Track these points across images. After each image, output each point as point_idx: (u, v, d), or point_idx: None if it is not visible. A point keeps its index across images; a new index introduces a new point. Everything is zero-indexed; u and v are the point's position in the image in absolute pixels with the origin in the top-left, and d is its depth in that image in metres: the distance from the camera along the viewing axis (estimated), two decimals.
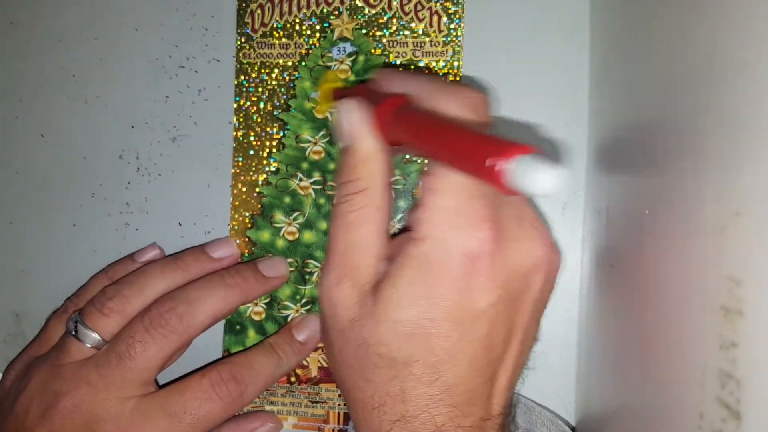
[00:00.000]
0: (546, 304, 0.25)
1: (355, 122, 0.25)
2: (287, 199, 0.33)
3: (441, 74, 0.32)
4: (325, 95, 0.31)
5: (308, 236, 0.33)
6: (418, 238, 0.23)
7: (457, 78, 0.32)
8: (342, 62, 0.33)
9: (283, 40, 0.33)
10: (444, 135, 0.21)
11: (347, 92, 0.29)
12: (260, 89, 0.34)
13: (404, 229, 0.25)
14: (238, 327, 0.34)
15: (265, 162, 0.33)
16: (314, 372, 0.33)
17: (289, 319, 0.33)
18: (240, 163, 0.34)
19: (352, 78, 0.33)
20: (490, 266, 0.22)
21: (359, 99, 0.25)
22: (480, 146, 0.19)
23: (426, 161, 0.31)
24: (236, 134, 0.34)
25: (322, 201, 0.33)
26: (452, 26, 0.32)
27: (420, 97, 0.24)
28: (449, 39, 0.32)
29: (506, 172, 0.17)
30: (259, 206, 0.34)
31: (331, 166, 0.33)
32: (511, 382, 0.24)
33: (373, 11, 0.33)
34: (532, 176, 0.17)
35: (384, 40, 0.33)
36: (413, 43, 0.32)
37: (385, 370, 0.23)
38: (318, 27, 0.33)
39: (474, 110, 0.23)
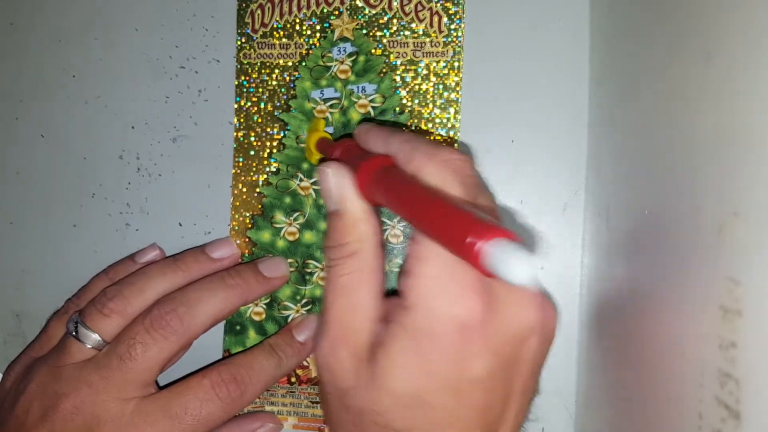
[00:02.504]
0: (544, 361, 0.25)
1: (340, 186, 0.25)
2: (288, 200, 0.33)
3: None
4: (313, 144, 0.31)
5: (308, 236, 0.33)
6: (408, 306, 0.22)
7: (458, 78, 0.32)
8: (342, 62, 0.33)
9: (284, 40, 0.33)
10: (424, 205, 0.21)
11: (330, 147, 0.29)
12: (260, 89, 0.34)
13: (394, 292, 0.25)
14: (238, 327, 0.34)
15: (265, 162, 0.34)
16: (314, 372, 0.33)
17: (290, 319, 0.33)
18: (240, 164, 0.34)
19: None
20: (482, 334, 0.22)
21: (341, 162, 0.25)
22: (459, 223, 0.19)
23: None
24: (237, 134, 0.34)
25: (322, 201, 0.33)
26: (453, 27, 0.32)
27: (400, 158, 0.24)
28: (450, 39, 0.32)
29: (484, 254, 0.17)
30: (260, 206, 0.34)
31: None
32: None
33: (374, 11, 0.33)
34: (509, 262, 0.17)
35: (384, 41, 0.33)
36: (413, 43, 0.32)
37: None
38: (318, 27, 0.33)
39: (455, 173, 0.23)
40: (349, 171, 0.25)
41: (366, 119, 0.33)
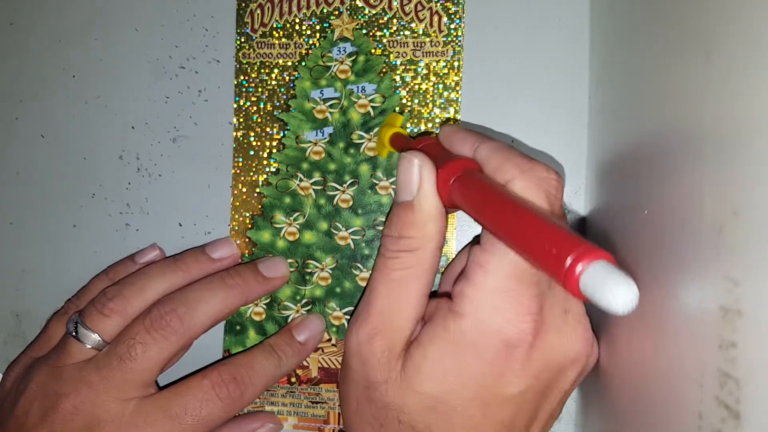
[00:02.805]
0: (573, 390, 0.25)
1: (421, 179, 0.24)
2: (287, 200, 0.33)
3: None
4: (387, 139, 0.30)
5: (308, 237, 0.33)
6: (460, 313, 0.22)
7: (458, 77, 0.32)
8: (342, 62, 0.33)
9: (283, 40, 0.33)
10: (517, 216, 0.20)
11: (409, 143, 0.28)
12: (260, 89, 0.34)
13: (436, 293, 0.24)
14: (238, 327, 0.34)
15: (265, 162, 0.33)
16: (315, 372, 0.33)
17: (290, 319, 0.33)
18: (240, 164, 0.34)
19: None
20: (526, 357, 0.22)
21: (425, 155, 0.24)
22: (559, 240, 0.17)
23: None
24: (236, 134, 0.34)
25: (322, 201, 0.33)
26: (452, 26, 0.32)
27: (488, 166, 0.23)
28: (449, 39, 0.32)
29: (584, 276, 0.16)
30: (260, 207, 0.34)
31: (332, 166, 0.33)
32: None
33: (374, 11, 0.33)
34: (610, 286, 0.16)
35: (384, 41, 0.33)
36: (413, 43, 0.32)
37: None
38: (318, 27, 0.33)
39: (548, 194, 0.22)
40: (432, 166, 0.24)
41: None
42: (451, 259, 0.31)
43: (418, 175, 0.24)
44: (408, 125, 0.32)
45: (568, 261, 0.17)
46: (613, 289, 0.15)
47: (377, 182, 0.33)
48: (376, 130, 0.33)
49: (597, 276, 0.16)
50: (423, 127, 0.32)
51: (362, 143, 0.33)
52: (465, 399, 0.22)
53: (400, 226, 0.24)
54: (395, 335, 0.24)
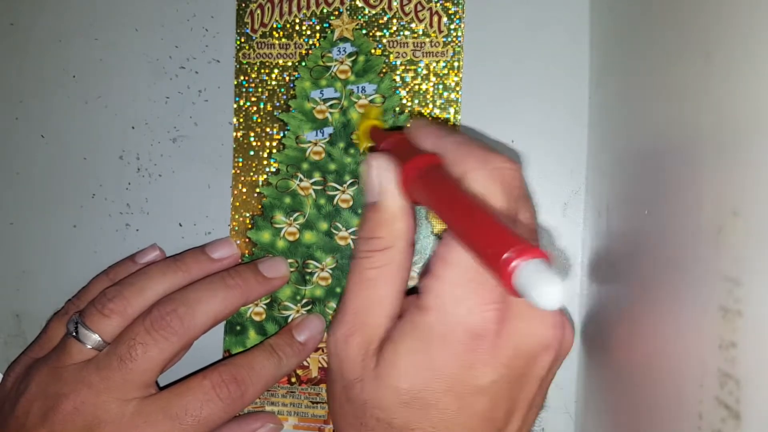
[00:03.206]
0: (553, 378, 0.25)
1: (384, 180, 0.24)
2: (287, 200, 0.33)
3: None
4: (365, 132, 0.31)
5: (308, 237, 0.33)
6: (424, 307, 0.23)
7: (458, 78, 0.32)
8: (342, 62, 0.33)
9: (283, 40, 0.33)
10: (464, 211, 0.20)
11: (381, 136, 0.28)
12: (260, 89, 0.34)
13: (414, 290, 0.25)
14: (238, 327, 0.34)
15: (265, 162, 0.34)
16: (315, 372, 0.33)
17: (290, 319, 0.33)
18: (240, 164, 0.34)
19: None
20: (493, 346, 0.22)
21: (388, 154, 0.25)
22: (498, 237, 0.18)
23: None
24: (236, 135, 0.34)
25: (322, 201, 0.33)
26: (452, 26, 0.32)
27: (450, 159, 0.23)
28: (449, 39, 0.32)
29: (517, 273, 0.17)
30: (260, 207, 0.34)
31: (332, 166, 0.33)
32: None
33: (373, 12, 0.33)
34: (540, 284, 0.16)
35: (384, 41, 0.33)
36: (413, 43, 0.32)
37: None
38: (318, 27, 0.33)
39: (503, 183, 0.22)
40: (394, 165, 0.24)
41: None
42: None
43: (379, 177, 0.24)
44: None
45: (503, 258, 0.17)
46: (541, 288, 0.16)
47: None
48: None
49: (529, 274, 0.17)
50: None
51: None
52: (438, 392, 0.22)
53: (370, 226, 0.25)
54: (370, 333, 0.24)
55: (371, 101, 0.33)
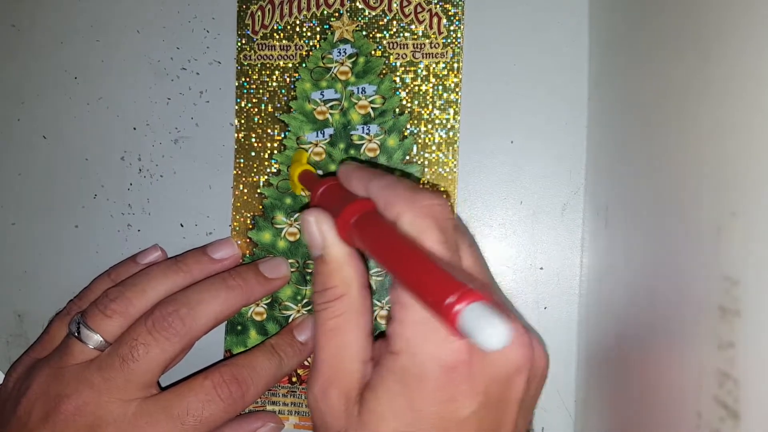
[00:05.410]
0: (536, 400, 0.25)
1: (322, 233, 0.25)
2: (288, 200, 0.33)
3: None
4: (295, 176, 0.31)
5: None
6: (395, 351, 0.23)
7: (458, 79, 0.32)
8: (342, 64, 0.33)
9: (284, 41, 0.34)
10: (402, 259, 0.21)
11: (314, 183, 0.29)
12: (261, 91, 0.34)
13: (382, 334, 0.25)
14: (239, 327, 0.34)
15: (266, 163, 0.34)
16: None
17: (291, 319, 0.33)
18: (241, 165, 0.34)
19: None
20: (467, 375, 0.22)
21: (322, 205, 0.26)
22: (436, 284, 0.19)
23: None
24: (237, 136, 0.34)
25: None
26: (452, 28, 0.32)
27: (380, 204, 0.24)
28: (449, 40, 0.32)
29: (460, 318, 0.18)
30: (261, 207, 0.34)
31: (332, 167, 0.33)
32: None
33: (374, 13, 0.33)
34: (484, 327, 0.17)
35: (384, 42, 0.33)
36: (413, 44, 0.32)
37: None
38: (318, 29, 0.33)
39: (435, 219, 0.23)
40: (329, 216, 0.25)
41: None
42: None
43: (318, 230, 0.25)
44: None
45: (445, 304, 0.18)
46: (485, 330, 0.17)
47: None
48: (375, 130, 0.33)
49: (471, 318, 0.17)
50: (423, 128, 0.32)
51: (362, 144, 0.33)
52: (423, 431, 0.22)
53: (321, 279, 0.25)
54: (347, 381, 0.24)
55: (371, 101, 0.33)
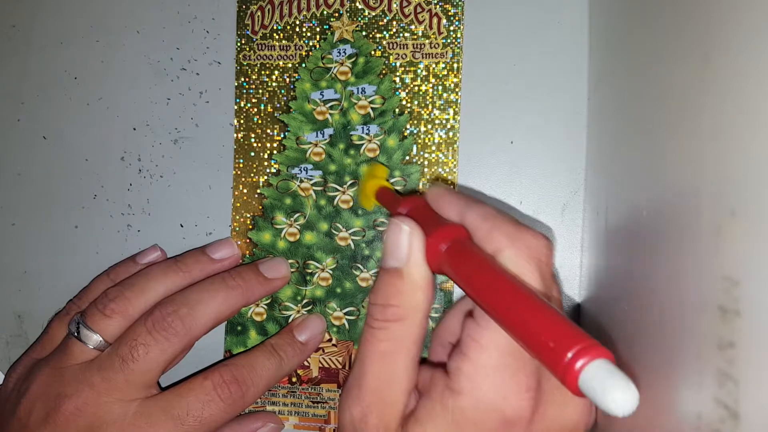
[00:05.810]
0: None
1: (410, 247, 0.23)
2: (288, 201, 0.33)
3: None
4: (370, 190, 0.30)
5: (309, 237, 0.33)
6: (457, 390, 0.22)
7: (457, 79, 0.32)
8: (342, 64, 0.33)
9: (283, 42, 0.34)
10: (509, 296, 0.19)
11: (396, 200, 0.27)
12: (260, 91, 0.34)
13: (425, 360, 0.24)
14: (239, 328, 0.34)
15: (266, 164, 0.34)
16: (315, 372, 0.33)
17: (291, 319, 0.33)
18: (241, 165, 0.34)
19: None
20: (524, 431, 0.21)
21: (413, 221, 0.24)
22: (557, 332, 0.17)
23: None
24: (237, 136, 0.34)
25: (322, 202, 0.33)
26: (452, 28, 0.32)
27: (477, 233, 0.23)
28: (449, 41, 0.32)
29: (583, 374, 0.16)
30: (260, 207, 0.34)
31: (332, 167, 0.33)
32: None
33: (373, 13, 0.33)
34: (610, 388, 0.15)
35: (384, 42, 0.33)
36: (413, 45, 0.32)
37: None
38: (318, 29, 0.33)
39: (538, 263, 0.22)
40: (422, 233, 0.23)
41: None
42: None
43: (408, 242, 0.23)
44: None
45: (568, 357, 0.16)
46: (614, 393, 0.15)
47: None
48: (375, 130, 0.33)
49: (597, 376, 0.16)
50: (423, 128, 0.32)
51: (362, 144, 0.33)
52: None
53: (388, 294, 0.23)
54: (389, 411, 0.23)
55: (371, 101, 0.33)
